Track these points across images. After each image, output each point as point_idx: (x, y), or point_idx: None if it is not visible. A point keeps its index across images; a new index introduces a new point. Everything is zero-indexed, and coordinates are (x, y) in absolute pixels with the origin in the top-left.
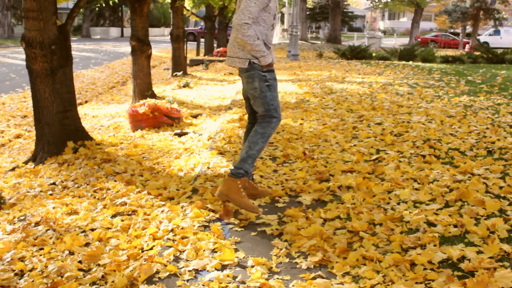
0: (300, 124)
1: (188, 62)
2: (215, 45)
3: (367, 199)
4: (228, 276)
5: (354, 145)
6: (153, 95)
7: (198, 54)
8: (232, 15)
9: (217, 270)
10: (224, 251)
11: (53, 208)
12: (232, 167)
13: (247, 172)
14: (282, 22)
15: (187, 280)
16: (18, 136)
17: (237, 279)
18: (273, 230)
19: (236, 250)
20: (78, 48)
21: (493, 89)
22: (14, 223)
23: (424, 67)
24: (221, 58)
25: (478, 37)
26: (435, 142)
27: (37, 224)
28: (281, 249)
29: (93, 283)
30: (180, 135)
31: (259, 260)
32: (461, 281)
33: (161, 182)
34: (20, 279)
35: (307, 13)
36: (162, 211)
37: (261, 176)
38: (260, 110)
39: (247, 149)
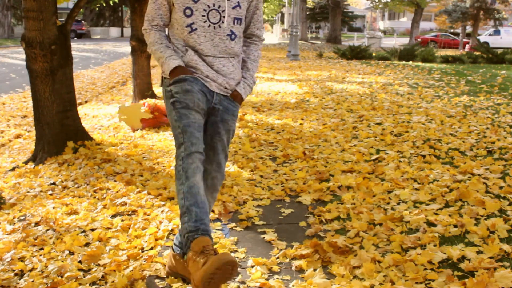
0: (300, 124)
1: None
2: None
3: (367, 199)
4: None
5: (354, 145)
6: (153, 95)
7: None
8: None
9: None
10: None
11: (53, 208)
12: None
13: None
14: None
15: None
16: (18, 136)
17: (237, 279)
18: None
19: (235, 250)
20: (78, 48)
21: (493, 89)
22: (14, 223)
23: (424, 67)
24: None
25: (478, 37)
26: (435, 142)
27: (37, 224)
28: (281, 249)
29: (93, 283)
30: None
31: (259, 260)
32: (461, 281)
33: (161, 182)
34: (20, 279)
35: (307, 13)
36: (162, 211)
37: (261, 176)
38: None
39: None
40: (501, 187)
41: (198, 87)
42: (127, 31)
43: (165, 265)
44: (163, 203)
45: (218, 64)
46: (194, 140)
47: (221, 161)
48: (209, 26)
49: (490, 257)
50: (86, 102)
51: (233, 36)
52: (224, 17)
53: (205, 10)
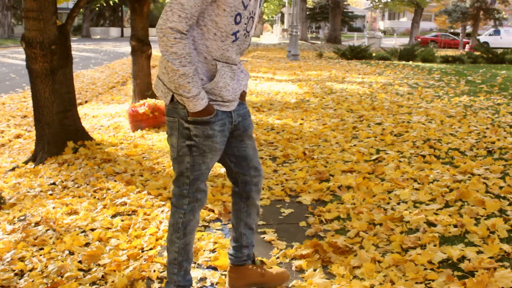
0: (300, 124)
1: None
2: None
3: (367, 199)
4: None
5: (354, 145)
6: (153, 95)
7: None
8: None
9: (216, 270)
10: (220, 253)
11: (53, 208)
12: None
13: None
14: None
15: None
16: (18, 136)
17: None
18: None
19: None
20: (78, 48)
21: (493, 89)
22: (14, 223)
23: (424, 67)
24: None
25: (478, 37)
26: (435, 142)
27: (37, 224)
28: (281, 249)
29: (93, 283)
30: None
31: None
32: (461, 281)
33: (161, 182)
34: (20, 279)
35: (307, 13)
36: (162, 211)
37: None
38: (173, 180)
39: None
40: (501, 187)
41: (219, 127)
42: (127, 31)
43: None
44: (163, 203)
45: (238, 72)
46: (199, 195)
47: (257, 164)
48: (244, 34)
49: (490, 257)
50: (86, 102)
51: None
52: (254, 25)
53: (247, 18)
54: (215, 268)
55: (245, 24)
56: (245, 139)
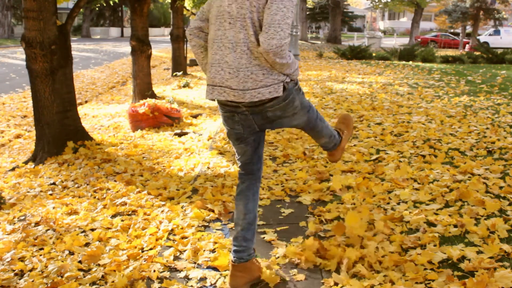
0: None
1: (188, 62)
2: None
3: (367, 199)
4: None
5: (354, 145)
6: (153, 95)
7: None
8: None
9: (216, 270)
10: (220, 253)
11: (53, 208)
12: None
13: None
14: None
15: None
16: (18, 136)
17: None
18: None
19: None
20: (78, 48)
21: (493, 89)
22: (14, 223)
23: (424, 67)
24: None
25: (478, 37)
26: (435, 142)
27: (37, 224)
28: (281, 250)
29: (93, 283)
30: (180, 135)
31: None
32: (461, 281)
33: (161, 182)
34: (20, 279)
35: (307, 13)
36: (162, 211)
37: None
38: (314, 123)
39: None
40: (501, 187)
41: None
42: (127, 31)
43: (166, 263)
44: (163, 203)
45: None
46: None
47: None
48: None
49: (490, 257)
50: (86, 102)
51: None
52: None
53: None
54: (215, 268)
55: None
56: None
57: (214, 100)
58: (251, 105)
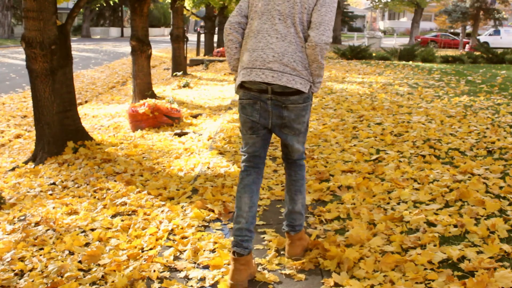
0: None
1: (188, 62)
2: (215, 45)
3: (367, 199)
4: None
5: (354, 145)
6: (153, 95)
7: (198, 54)
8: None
9: (216, 270)
10: (220, 253)
11: (53, 208)
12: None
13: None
14: None
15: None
16: (18, 136)
17: None
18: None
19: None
20: (78, 48)
21: (493, 89)
22: (14, 223)
23: (424, 67)
24: (221, 58)
25: (478, 37)
26: (435, 142)
27: (37, 224)
28: (281, 249)
29: (93, 283)
30: (180, 135)
31: (257, 260)
32: (461, 281)
33: (161, 182)
34: (20, 279)
35: None
36: (162, 211)
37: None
38: (301, 148)
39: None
40: (501, 187)
41: None
42: (127, 31)
43: (166, 263)
44: (163, 203)
45: None
46: None
47: None
48: None
49: (490, 257)
50: (86, 102)
51: None
52: None
53: None
54: (215, 268)
55: None
56: None
57: (247, 82)
58: (280, 91)
